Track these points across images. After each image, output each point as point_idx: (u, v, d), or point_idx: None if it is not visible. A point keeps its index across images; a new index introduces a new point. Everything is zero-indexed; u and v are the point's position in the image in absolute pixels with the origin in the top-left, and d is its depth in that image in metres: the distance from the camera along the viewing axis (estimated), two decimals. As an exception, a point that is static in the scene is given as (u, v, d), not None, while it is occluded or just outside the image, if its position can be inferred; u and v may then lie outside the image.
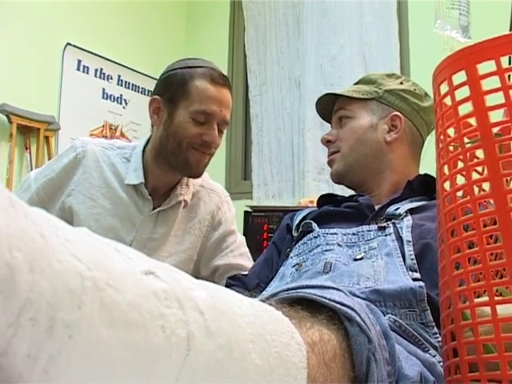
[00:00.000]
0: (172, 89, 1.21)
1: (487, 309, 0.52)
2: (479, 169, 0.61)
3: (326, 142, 1.13)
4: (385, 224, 0.90)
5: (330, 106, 1.15)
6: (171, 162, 1.22)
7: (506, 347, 0.50)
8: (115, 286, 0.31)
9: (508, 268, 0.50)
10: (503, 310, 0.51)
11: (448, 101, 0.56)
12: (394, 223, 0.89)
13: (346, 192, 1.16)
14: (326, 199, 1.13)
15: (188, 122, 1.18)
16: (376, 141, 1.07)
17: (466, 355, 0.54)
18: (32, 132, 2.65)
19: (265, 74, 3.10)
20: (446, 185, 0.58)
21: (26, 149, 2.64)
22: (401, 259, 0.81)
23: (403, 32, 2.70)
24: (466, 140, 0.54)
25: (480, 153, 0.53)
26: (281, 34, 3.09)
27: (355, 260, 0.84)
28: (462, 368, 0.54)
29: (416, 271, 0.79)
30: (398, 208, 0.94)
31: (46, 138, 2.70)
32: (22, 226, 0.29)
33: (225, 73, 1.25)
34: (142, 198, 1.26)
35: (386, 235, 0.87)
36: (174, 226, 1.29)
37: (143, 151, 1.28)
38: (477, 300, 0.55)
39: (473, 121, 0.52)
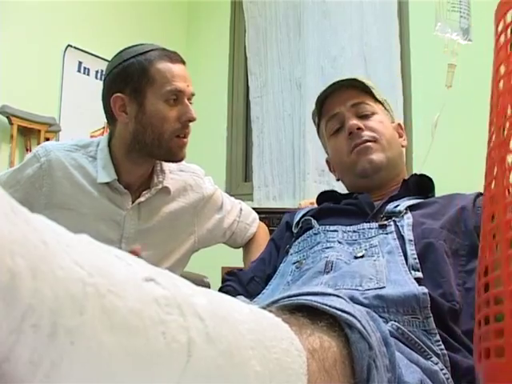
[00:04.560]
0: (134, 79, 1.15)
1: None
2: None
3: (357, 129, 1.03)
4: (385, 222, 0.89)
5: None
6: (152, 153, 1.19)
7: None
8: (116, 292, 0.32)
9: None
10: None
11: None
12: (394, 221, 0.88)
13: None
14: (326, 196, 1.13)
15: (162, 106, 1.15)
16: (399, 142, 1.09)
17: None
18: (33, 133, 2.65)
19: (265, 76, 3.10)
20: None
21: (27, 150, 2.64)
22: (402, 258, 0.80)
23: (404, 34, 2.70)
24: None
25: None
26: (281, 36, 3.09)
27: (356, 258, 0.83)
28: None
29: (418, 270, 0.78)
30: (397, 205, 0.93)
31: (47, 140, 2.70)
32: (24, 232, 0.29)
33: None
34: (118, 193, 1.22)
35: (386, 233, 0.86)
36: (160, 215, 1.26)
37: (109, 146, 1.24)
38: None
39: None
